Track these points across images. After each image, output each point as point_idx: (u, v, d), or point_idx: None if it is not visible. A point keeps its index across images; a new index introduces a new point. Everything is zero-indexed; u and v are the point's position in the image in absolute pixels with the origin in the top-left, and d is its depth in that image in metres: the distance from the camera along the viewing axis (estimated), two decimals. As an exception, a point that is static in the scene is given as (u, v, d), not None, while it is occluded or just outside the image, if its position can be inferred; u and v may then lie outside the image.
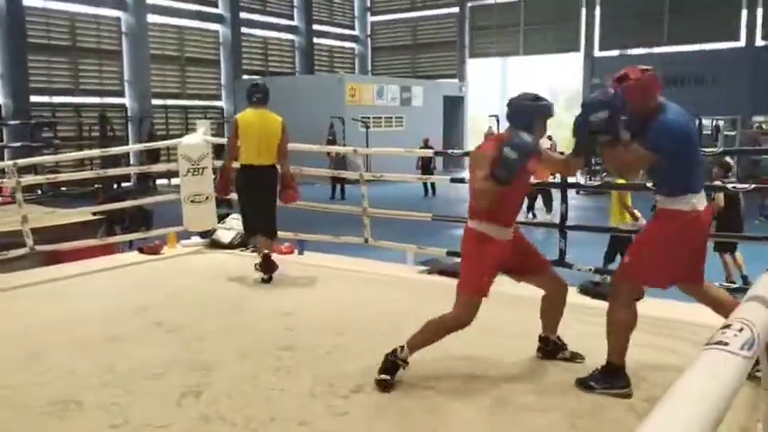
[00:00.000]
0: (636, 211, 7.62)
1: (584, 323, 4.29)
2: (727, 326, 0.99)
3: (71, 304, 5.03)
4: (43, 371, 3.64)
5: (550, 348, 3.76)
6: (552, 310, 3.71)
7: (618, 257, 7.91)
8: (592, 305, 4.72)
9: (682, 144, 3.15)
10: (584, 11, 25.55)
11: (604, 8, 25.13)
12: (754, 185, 4.13)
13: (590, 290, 5.08)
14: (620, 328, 3.26)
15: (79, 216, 7.85)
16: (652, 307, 4.57)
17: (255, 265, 5.73)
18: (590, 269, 5.22)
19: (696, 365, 0.84)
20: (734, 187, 4.84)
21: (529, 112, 3.31)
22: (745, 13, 22.71)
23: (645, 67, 3.19)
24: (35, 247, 6.11)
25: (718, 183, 7.55)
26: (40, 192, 15.52)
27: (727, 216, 7.36)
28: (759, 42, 22.61)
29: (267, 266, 5.61)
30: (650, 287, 3.43)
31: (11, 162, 6.48)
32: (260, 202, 5.70)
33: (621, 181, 7.46)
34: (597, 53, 25.42)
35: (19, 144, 18.00)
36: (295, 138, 6.25)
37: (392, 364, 3.37)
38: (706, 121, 21.20)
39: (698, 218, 3.23)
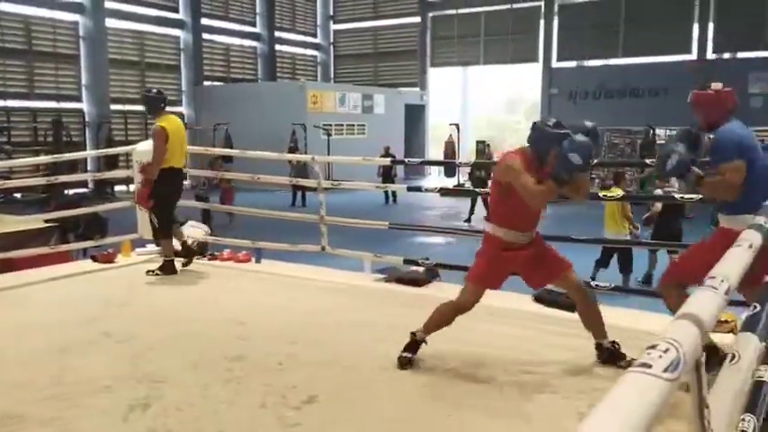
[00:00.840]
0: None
1: (538, 331, 4.34)
2: (654, 346, 1.00)
3: (19, 314, 4.89)
4: (-13, 384, 3.53)
5: (606, 356, 3.74)
6: (585, 315, 3.78)
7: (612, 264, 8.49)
8: (545, 313, 4.78)
9: (744, 149, 3.28)
10: (542, 22, 25.96)
11: (562, 20, 25.57)
12: (700, 196, 4.24)
13: (544, 298, 5.11)
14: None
15: (31, 223, 7.66)
16: (615, 317, 4.62)
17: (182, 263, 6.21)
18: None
19: (616, 391, 0.84)
20: (681, 197, 4.98)
21: (551, 139, 3.46)
22: (696, 27, 23.35)
23: (726, 88, 3.47)
24: (-18, 255, 5.93)
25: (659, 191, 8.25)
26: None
27: (664, 219, 8.32)
28: (710, 55, 23.27)
29: (190, 251, 6.28)
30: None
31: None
32: (176, 201, 6.35)
33: (618, 192, 7.87)
34: (555, 64, 25.83)
35: (-31, 149, 17.49)
36: (257, 145, 6.29)
37: (414, 342, 3.68)
38: (660, 131, 21.69)
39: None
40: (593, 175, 19.65)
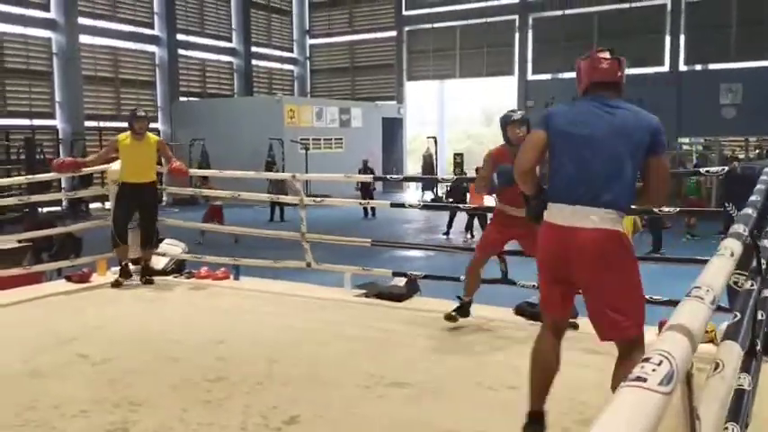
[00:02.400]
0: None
1: (522, 344, 4.31)
2: (647, 359, 0.98)
3: (-10, 338, 4.76)
4: (-43, 411, 3.41)
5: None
6: None
7: None
8: (526, 327, 4.75)
9: (555, 131, 2.83)
10: (517, 36, 26.25)
11: (536, 34, 25.88)
12: (678, 209, 4.24)
13: (526, 310, 5.07)
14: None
15: (3, 243, 7.51)
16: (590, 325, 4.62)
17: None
18: (533, 285, 5.15)
19: (613, 407, 0.82)
20: (660, 210, 4.94)
21: (501, 124, 4.74)
22: (668, 39, 23.76)
23: (603, 55, 3.04)
24: (-48, 277, 5.79)
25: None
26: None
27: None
28: (682, 67, 23.68)
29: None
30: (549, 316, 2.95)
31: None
32: None
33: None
34: (530, 77, 26.11)
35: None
36: (234, 160, 6.25)
37: None
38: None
39: (547, 233, 2.77)
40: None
